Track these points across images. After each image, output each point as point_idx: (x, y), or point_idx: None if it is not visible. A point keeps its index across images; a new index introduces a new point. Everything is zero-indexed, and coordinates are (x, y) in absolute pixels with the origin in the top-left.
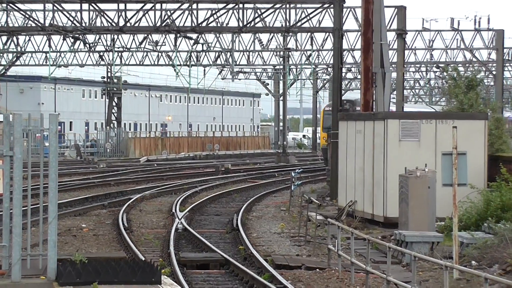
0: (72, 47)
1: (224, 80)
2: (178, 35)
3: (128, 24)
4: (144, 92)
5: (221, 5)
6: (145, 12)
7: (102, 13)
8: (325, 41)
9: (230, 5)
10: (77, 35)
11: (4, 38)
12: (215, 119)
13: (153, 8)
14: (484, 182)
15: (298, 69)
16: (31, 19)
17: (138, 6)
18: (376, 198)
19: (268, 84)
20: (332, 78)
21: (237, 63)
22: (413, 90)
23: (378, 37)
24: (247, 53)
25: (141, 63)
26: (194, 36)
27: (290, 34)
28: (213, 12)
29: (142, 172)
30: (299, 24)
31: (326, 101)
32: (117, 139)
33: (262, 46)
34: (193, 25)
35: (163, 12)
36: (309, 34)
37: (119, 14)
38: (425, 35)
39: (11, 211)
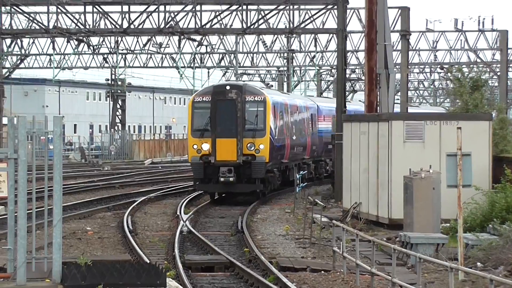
0: (76, 50)
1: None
2: (182, 37)
3: (132, 26)
4: (148, 94)
5: (224, 7)
6: (149, 14)
7: (106, 15)
8: (329, 43)
9: (234, 7)
10: (81, 38)
11: (8, 41)
12: None
13: (157, 10)
14: (489, 183)
15: (302, 71)
16: (35, 21)
17: (142, 8)
18: (381, 199)
19: (272, 85)
20: (336, 79)
21: (241, 64)
22: (418, 91)
23: (382, 38)
24: (251, 54)
25: (145, 65)
26: (198, 38)
27: (294, 35)
28: (217, 13)
29: (147, 174)
30: (302, 25)
31: None
32: (121, 141)
33: (266, 48)
34: (196, 26)
35: (167, 14)
36: (313, 35)
37: (123, 16)
38: (429, 36)
39: (15, 213)
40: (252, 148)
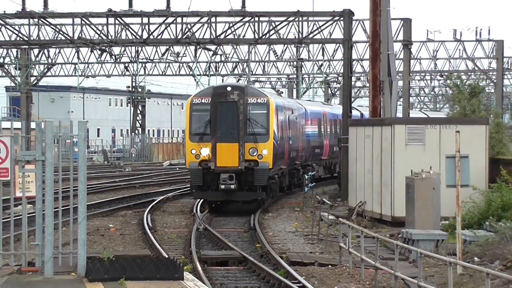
0: (99, 59)
1: None
2: (198, 46)
3: (151, 37)
4: (166, 100)
5: (238, 19)
6: (167, 25)
7: (127, 27)
8: (335, 52)
9: (247, 18)
10: (104, 48)
11: (36, 51)
12: None
13: (175, 21)
14: (486, 183)
15: (310, 78)
16: (61, 32)
17: (161, 20)
18: (384, 199)
19: (282, 92)
20: (342, 86)
21: (253, 72)
22: (419, 97)
23: (385, 47)
24: (263, 63)
25: (163, 73)
26: (213, 47)
27: (303, 45)
28: (231, 25)
29: (165, 175)
30: (311, 36)
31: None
32: (141, 144)
33: (276, 57)
34: (211, 37)
35: (184, 26)
36: (320, 45)
37: (143, 27)
38: (430, 46)
39: (43, 212)
40: (255, 154)
